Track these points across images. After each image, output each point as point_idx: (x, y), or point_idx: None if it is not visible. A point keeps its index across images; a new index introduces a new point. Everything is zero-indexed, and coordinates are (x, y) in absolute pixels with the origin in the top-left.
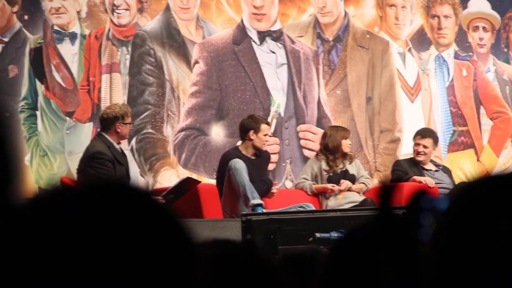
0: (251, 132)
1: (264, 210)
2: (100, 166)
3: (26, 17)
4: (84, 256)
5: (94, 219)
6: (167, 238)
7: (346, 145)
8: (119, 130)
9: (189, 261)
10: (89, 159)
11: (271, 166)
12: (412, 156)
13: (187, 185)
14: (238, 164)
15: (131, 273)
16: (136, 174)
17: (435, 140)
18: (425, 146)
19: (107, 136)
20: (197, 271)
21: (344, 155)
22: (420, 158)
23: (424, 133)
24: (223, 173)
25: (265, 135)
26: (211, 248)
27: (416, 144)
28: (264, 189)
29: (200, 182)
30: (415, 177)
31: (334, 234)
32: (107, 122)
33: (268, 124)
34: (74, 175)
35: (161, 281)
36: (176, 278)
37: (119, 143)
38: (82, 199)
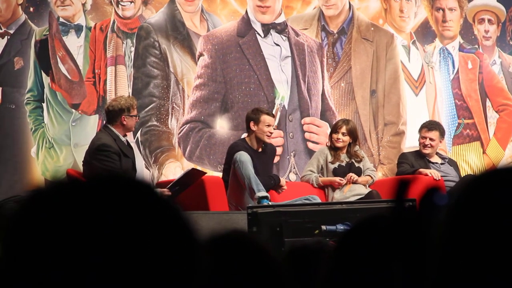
0: (252, 123)
1: (270, 203)
2: (106, 158)
3: (31, 9)
4: (84, 249)
5: (96, 212)
6: (169, 231)
7: (334, 138)
8: (125, 123)
9: (191, 254)
10: (95, 151)
11: (275, 159)
12: (417, 148)
13: (193, 176)
14: (243, 157)
15: (132, 266)
16: (141, 167)
17: (442, 133)
18: (431, 139)
19: (113, 129)
20: (199, 263)
21: (349, 150)
22: (427, 151)
23: (430, 126)
24: (231, 164)
25: (268, 125)
26: (214, 241)
27: (423, 137)
28: (271, 185)
29: (205, 173)
30: (421, 170)
31: (340, 227)
32: (112, 115)
33: (270, 114)
34: (80, 167)
35: (163, 274)
36: (178, 270)
37: (125, 135)
38: (85, 192)
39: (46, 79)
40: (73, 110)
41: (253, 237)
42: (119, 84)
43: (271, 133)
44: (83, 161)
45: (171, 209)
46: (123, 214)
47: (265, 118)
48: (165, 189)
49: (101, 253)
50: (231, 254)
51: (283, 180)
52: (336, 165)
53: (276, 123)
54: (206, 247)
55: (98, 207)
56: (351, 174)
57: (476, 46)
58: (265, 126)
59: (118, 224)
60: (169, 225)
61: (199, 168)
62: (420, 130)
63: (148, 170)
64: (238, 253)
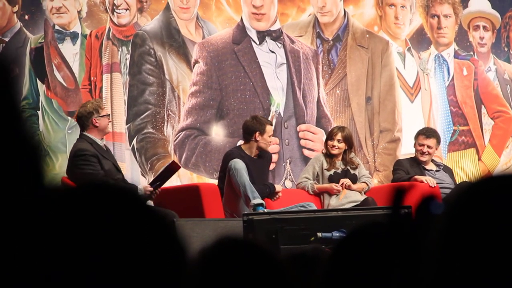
0: (257, 134)
1: (266, 210)
2: (84, 162)
3: (26, 16)
4: (65, 257)
5: (78, 219)
6: (151, 238)
7: (330, 145)
8: (97, 124)
9: (176, 260)
10: (73, 159)
11: (271, 166)
12: (412, 155)
13: (172, 169)
14: (238, 164)
15: (114, 272)
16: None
17: (438, 140)
18: (429, 146)
19: (87, 134)
20: (185, 269)
21: (345, 157)
22: (424, 158)
23: (428, 133)
24: (225, 172)
25: (270, 136)
26: (214, 246)
27: (420, 144)
28: (266, 193)
29: (180, 167)
30: (417, 177)
31: (336, 234)
32: (83, 120)
33: (271, 124)
34: None
35: (147, 279)
36: (162, 277)
37: (102, 139)
38: (68, 199)
39: (41, 87)
40: (69, 118)
41: (249, 240)
42: (115, 92)
43: (271, 142)
44: (66, 171)
45: (154, 215)
46: (106, 221)
47: (269, 128)
48: (147, 185)
49: (83, 260)
50: (229, 259)
51: (278, 187)
52: (331, 172)
53: None
54: (204, 254)
55: (81, 214)
56: (344, 180)
57: (471, 53)
58: (269, 136)
59: (100, 231)
60: (151, 231)
61: (194, 175)
62: (417, 137)
63: (144, 177)
64: (237, 257)
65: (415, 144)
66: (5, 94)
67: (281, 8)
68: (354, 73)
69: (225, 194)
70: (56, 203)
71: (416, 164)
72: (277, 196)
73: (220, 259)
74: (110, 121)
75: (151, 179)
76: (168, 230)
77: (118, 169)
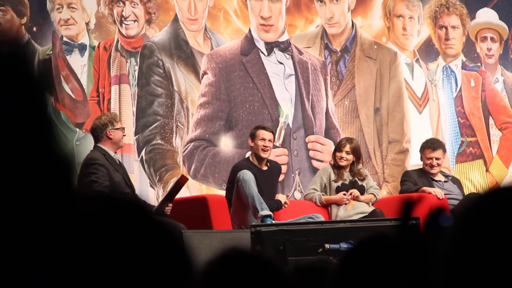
0: (250, 140)
1: (273, 221)
2: (93, 171)
3: (34, 28)
4: (69, 268)
5: (84, 230)
6: (157, 249)
7: (338, 157)
8: (111, 136)
9: (182, 271)
10: (82, 168)
11: (280, 178)
12: (420, 167)
13: (181, 183)
14: (246, 176)
15: (120, 284)
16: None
17: (444, 150)
18: (437, 158)
19: (101, 146)
20: (191, 281)
21: (352, 168)
22: (435, 170)
23: (434, 146)
24: (234, 183)
25: (262, 139)
26: (221, 258)
27: (428, 158)
28: (274, 208)
29: (187, 179)
30: (425, 188)
31: (344, 245)
32: (97, 132)
33: (267, 129)
34: None
35: None
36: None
37: (116, 153)
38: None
39: (49, 99)
40: (77, 129)
41: (256, 252)
42: (123, 103)
43: (266, 146)
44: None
45: (161, 226)
46: (112, 232)
47: (259, 132)
48: (165, 205)
49: (89, 271)
50: (236, 271)
51: (284, 198)
52: (339, 183)
53: (280, 141)
54: (211, 266)
55: (87, 225)
56: (352, 190)
57: (479, 64)
58: (260, 140)
59: (106, 242)
60: (159, 243)
61: (203, 187)
62: (422, 151)
63: (153, 188)
64: (243, 270)
65: (421, 158)
66: (36, 104)
67: (289, 20)
68: (362, 84)
69: (233, 205)
70: (62, 215)
71: (424, 175)
72: (285, 205)
73: (227, 272)
74: (124, 135)
75: (160, 190)
76: (175, 241)
77: (128, 184)
